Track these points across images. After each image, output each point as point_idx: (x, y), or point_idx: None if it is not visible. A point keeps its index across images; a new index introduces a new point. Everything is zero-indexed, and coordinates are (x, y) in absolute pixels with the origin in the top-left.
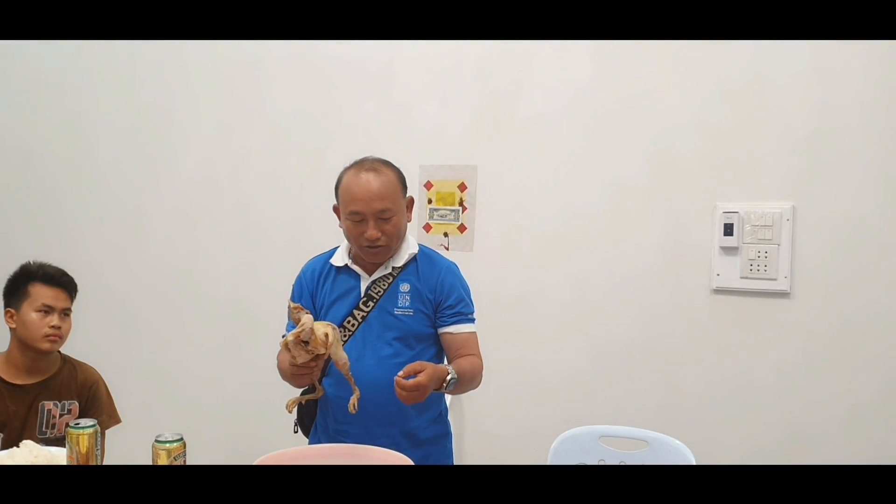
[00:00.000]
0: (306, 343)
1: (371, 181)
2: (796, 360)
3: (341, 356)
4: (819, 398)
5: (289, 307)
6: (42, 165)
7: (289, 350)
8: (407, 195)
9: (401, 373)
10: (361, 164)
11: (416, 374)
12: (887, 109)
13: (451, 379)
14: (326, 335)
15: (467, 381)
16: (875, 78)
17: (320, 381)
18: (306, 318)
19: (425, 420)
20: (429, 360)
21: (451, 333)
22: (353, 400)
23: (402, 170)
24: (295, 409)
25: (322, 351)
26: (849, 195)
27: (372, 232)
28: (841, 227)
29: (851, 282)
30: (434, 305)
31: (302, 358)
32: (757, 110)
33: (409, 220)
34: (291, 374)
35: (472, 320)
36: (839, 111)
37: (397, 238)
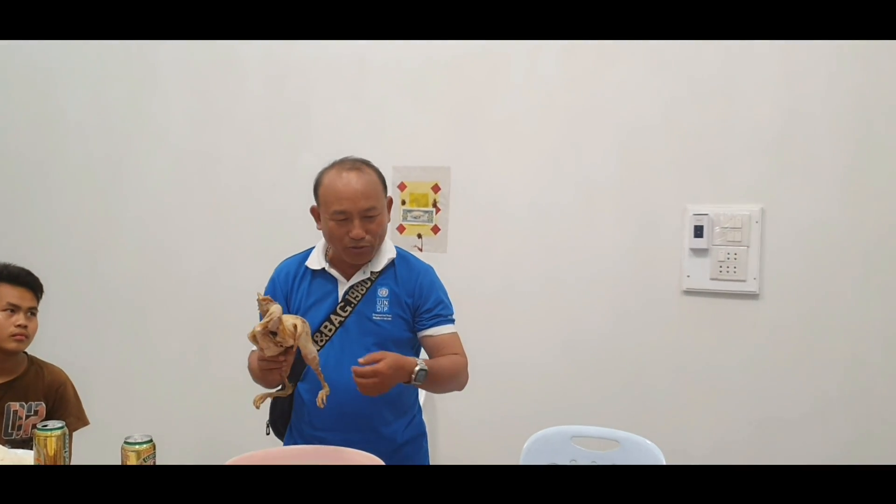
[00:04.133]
0: (275, 334)
1: (355, 180)
2: (765, 360)
3: (310, 350)
4: (787, 397)
5: (258, 300)
6: (10, 164)
7: (257, 342)
8: (387, 196)
9: (361, 360)
10: (342, 164)
11: (375, 360)
12: (853, 113)
13: (420, 371)
14: (295, 326)
15: (446, 377)
16: (842, 82)
17: (295, 384)
18: (274, 309)
19: (402, 424)
20: None
21: (431, 336)
22: (322, 395)
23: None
24: (267, 410)
25: (290, 342)
26: (816, 198)
27: (357, 231)
28: (809, 229)
29: (819, 283)
30: (412, 310)
31: (270, 350)
32: (726, 113)
33: (389, 221)
34: (261, 368)
35: (452, 321)
36: (807, 115)
37: (381, 238)
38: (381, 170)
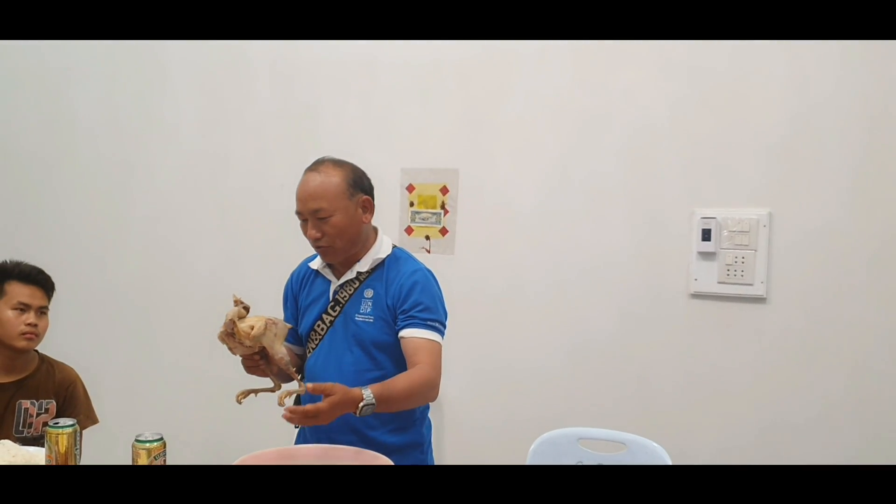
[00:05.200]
0: (234, 335)
1: (309, 181)
2: (772, 364)
3: (277, 350)
4: (793, 401)
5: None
6: (21, 164)
7: (225, 342)
8: (360, 196)
9: (309, 386)
10: (311, 165)
11: (324, 393)
12: (862, 116)
13: (364, 405)
14: (252, 327)
15: (401, 401)
16: (849, 85)
17: (292, 377)
18: (230, 311)
19: (387, 429)
20: (388, 371)
21: (403, 338)
22: (283, 394)
23: (379, 172)
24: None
25: (248, 343)
26: (824, 202)
27: (311, 231)
28: (816, 233)
29: (826, 287)
30: (393, 311)
31: (238, 350)
32: (734, 117)
33: (366, 222)
34: (243, 366)
35: (431, 327)
36: (815, 118)
37: (341, 239)
38: (390, 171)
